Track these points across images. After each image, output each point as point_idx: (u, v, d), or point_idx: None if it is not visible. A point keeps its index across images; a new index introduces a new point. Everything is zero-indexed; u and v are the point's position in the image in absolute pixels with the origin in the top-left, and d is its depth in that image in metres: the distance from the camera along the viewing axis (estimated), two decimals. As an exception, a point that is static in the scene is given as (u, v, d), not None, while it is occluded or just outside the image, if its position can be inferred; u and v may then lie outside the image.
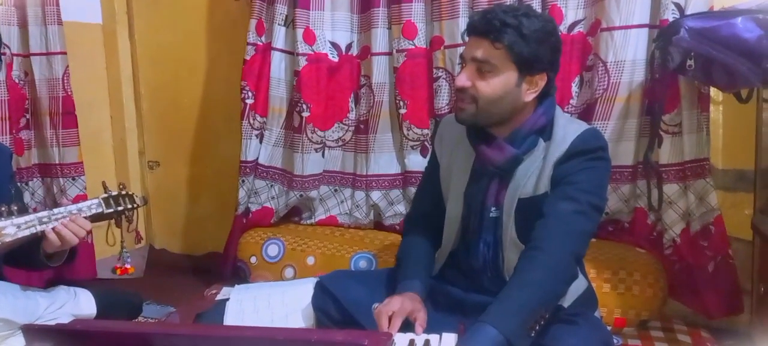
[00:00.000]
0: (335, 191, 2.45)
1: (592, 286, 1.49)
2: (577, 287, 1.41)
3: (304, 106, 2.31)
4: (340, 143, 2.40)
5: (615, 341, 1.65)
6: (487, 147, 1.39)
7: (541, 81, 1.35)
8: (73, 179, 2.51)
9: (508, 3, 1.38)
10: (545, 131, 1.38)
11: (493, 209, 1.42)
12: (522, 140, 1.37)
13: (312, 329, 1.34)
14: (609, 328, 1.64)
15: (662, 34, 1.81)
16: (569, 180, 1.31)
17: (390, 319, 1.29)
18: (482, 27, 1.31)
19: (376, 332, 1.14)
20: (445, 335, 1.25)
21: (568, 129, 1.36)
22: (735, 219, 1.97)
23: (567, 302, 1.37)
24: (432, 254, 1.54)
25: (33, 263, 1.54)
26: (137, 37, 2.90)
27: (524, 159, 1.38)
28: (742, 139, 1.98)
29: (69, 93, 2.48)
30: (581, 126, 1.38)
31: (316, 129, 2.34)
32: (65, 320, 1.46)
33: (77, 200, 2.48)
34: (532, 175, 1.37)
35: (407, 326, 1.33)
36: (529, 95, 1.36)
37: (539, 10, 2.00)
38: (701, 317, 1.96)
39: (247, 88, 2.40)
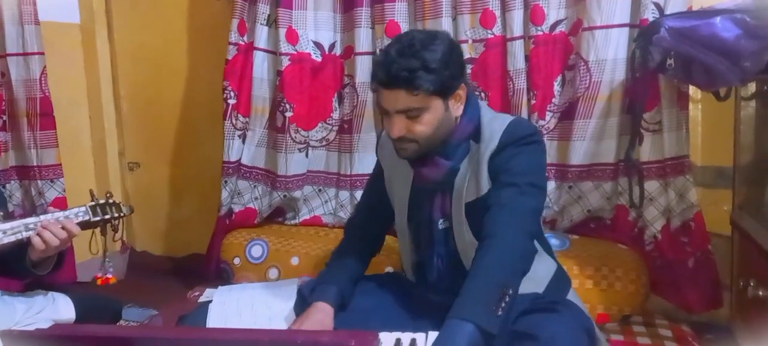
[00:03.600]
0: (319, 191, 2.44)
1: (562, 267, 1.51)
2: (548, 270, 1.44)
3: (288, 106, 2.30)
4: (324, 143, 2.39)
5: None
6: (422, 167, 1.41)
7: (462, 92, 1.37)
8: (52, 182, 2.47)
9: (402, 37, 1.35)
10: (472, 134, 1.40)
11: (440, 221, 1.45)
12: (454, 151, 1.40)
13: (297, 330, 1.33)
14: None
15: (643, 33, 1.83)
16: (505, 168, 1.34)
17: None
18: (391, 81, 1.30)
19: (362, 332, 1.14)
20: (430, 333, 1.24)
21: (494, 125, 1.38)
22: (714, 215, 2.01)
23: (541, 287, 1.39)
24: (363, 258, 1.59)
25: (19, 271, 1.51)
26: (117, 37, 2.86)
27: (460, 167, 1.40)
28: (721, 136, 2.01)
29: (47, 94, 2.43)
30: (506, 119, 1.41)
31: (299, 129, 2.33)
32: (44, 325, 1.43)
33: (57, 202, 2.44)
34: (470, 178, 1.39)
35: (394, 324, 1.33)
36: (458, 109, 1.38)
37: (498, 14, 2.03)
38: (682, 311, 1.99)
39: (230, 88, 2.38)
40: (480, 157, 1.37)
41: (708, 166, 2.12)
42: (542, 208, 1.45)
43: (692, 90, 1.99)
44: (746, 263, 1.84)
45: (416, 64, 1.28)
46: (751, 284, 1.71)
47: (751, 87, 1.84)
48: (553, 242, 1.96)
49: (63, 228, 1.43)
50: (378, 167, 1.61)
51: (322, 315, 1.40)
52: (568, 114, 2.05)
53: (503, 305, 1.18)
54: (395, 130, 1.34)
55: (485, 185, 1.36)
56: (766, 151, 1.79)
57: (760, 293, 1.64)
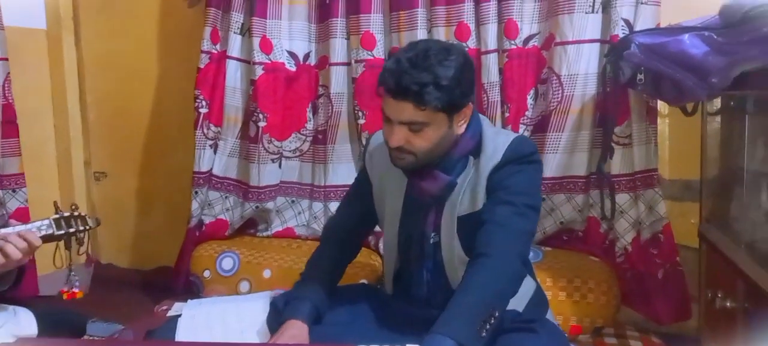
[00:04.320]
0: (292, 202, 2.41)
1: (541, 287, 1.52)
2: (528, 289, 1.43)
3: (261, 116, 2.27)
4: (298, 154, 2.37)
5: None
6: (420, 180, 1.38)
7: (468, 111, 1.35)
8: (14, 191, 2.38)
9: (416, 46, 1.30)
10: (475, 149, 1.39)
11: (433, 235, 1.43)
12: (454, 166, 1.38)
13: (270, 344, 1.30)
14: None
15: (614, 49, 1.87)
16: (503, 185, 1.33)
17: None
18: (400, 92, 1.26)
19: (339, 346, 1.12)
20: (408, 346, 1.23)
21: (497, 141, 1.37)
22: (682, 228, 2.05)
23: (520, 305, 1.38)
24: (339, 267, 1.56)
25: None
26: (84, 44, 2.79)
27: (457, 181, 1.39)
28: (688, 150, 2.06)
29: (10, 101, 2.35)
30: (509, 136, 1.40)
31: (272, 139, 2.30)
32: (5, 340, 1.37)
33: (18, 212, 2.35)
34: (466, 192, 1.38)
35: (370, 338, 1.31)
36: (462, 127, 1.36)
37: (473, 27, 2.04)
38: (652, 323, 2.02)
39: (201, 96, 2.35)
40: (480, 172, 1.36)
41: (675, 179, 2.17)
42: (535, 230, 1.44)
43: (660, 105, 2.03)
44: (714, 274, 1.87)
45: (428, 78, 1.23)
46: (719, 295, 1.74)
47: (717, 103, 1.89)
48: (527, 254, 1.97)
49: (24, 240, 1.37)
50: (363, 175, 1.57)
51: (296, 331, 1.37)
52: (541, 127, 2.07)
53: (488, 326, 1.18)
54: (394, 139, 1.31)
55: (481, 199, 1.35)
56: (731, 164, 1.83)
57: (728, 304, 1.67)
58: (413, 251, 1.46)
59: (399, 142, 1.31)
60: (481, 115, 1.44)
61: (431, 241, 1.43)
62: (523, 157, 1.35)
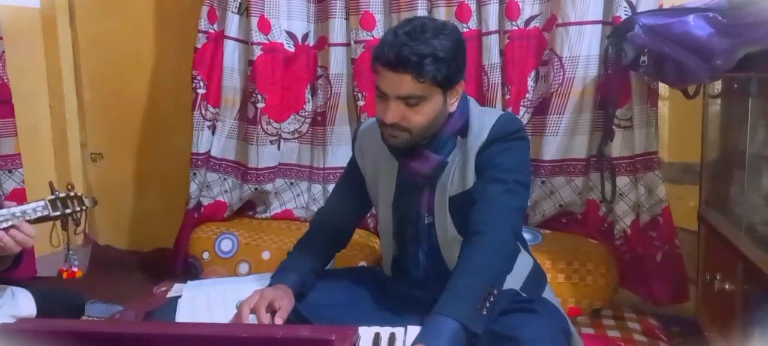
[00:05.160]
0: (291, 184, 2.40)
1: (538, 263, 1.52)
2: (525, 266, 1.44)
3: (259, 97, 2.25)
4: (297, 135, 2.35)
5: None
6: (412, 160, 1.38)
7: (460, 88, 1.36)
8: (10, 172, 2.37)
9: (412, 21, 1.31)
10: (462, 129, 1.39)
11: (426, 216, 1.43)
12: (444, 145, 1.38)
13: (276, 325, 1.30)
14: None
15: (617, 30, 1.85)
16: (493, 164, 1.33)
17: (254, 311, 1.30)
18: (400, 64, 1.25)
19: (342, 328, 1.11)
20: (410, 327, 1.23)
21: (483, 119, 1.37)
22: (681, 211, 2.05)
23: (518, 283, 1.38)
24: (327, 252, 1.55)
25: None
26: (79, 23, 2.76)
27: (448, 161, 1.39)
28: (688, 133, 2.06)
29: (5, 81, 2.33)
30: (495, 113, 1.40)
31: (271, 120, 2.28)
32: (3, 321, 1.37)
33: (15, 194, 2.34)
34: (456, 171, 1.38)
35: (370, 319, 1.31)
36: (454, 105, 1.36)
37: (474, 8, 2.04)
38: (649, 304, 2.03)
39: (199, 77, 2.32)
40: (467, 151, 1.36)
41: (675, 162, 2.17)
42: (526, 206, 1.45)
43: (661, 87, 2.03)
44: (712, 257, 1.89)
45: (427, 50, 1.24)
46: (717, 277, 1.75)
47: (718, 85, 1.89)
48: (526, 236, 1.96)
49: (19, 232, 1.36)
50: (354, 167, 1.56)
51: (281, 292, 1.36)
52: (541, 109, 2.06)
53: (488, 304, 1.18)
54: (390, 115, 1.29)
55: (471, 178, 1.35)
56: (732, 147, 1.83)
57: (726, 286, 1.68)
58: (408, 233, 1.46)
59: (395, 118, 1.29)
60: (466, 95, 1.44)
61: (426, 221, 1.43)
62: (509, 135, 1.35)
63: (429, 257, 1.45)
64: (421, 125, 1.31)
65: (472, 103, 1.42)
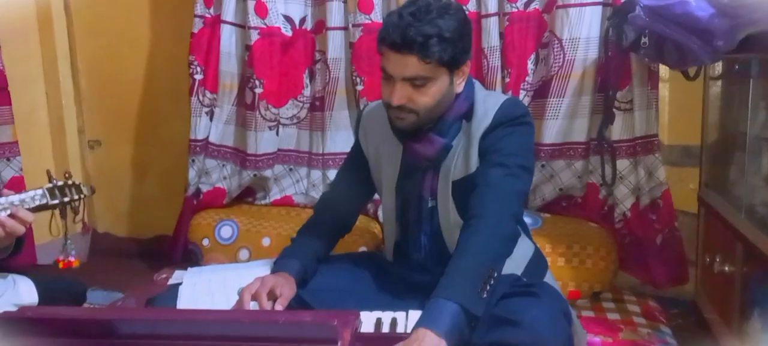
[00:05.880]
0: (290, 170, 2.40)
1: (539, 249, 1.52)
2: (526, 252, 1.44)
3: (257, 83, 2.24)
4: (295, 121, 2.34)
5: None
6: (416, 143, 1.38)
7: (466, 68, 1.36)
8: (8, 160, 2.36)
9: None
10: (467, 112, 1.39)
11: (430, 199, 1.43)
12: (448, 128, 1.38)
13: (278, 310, 1.30)
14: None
15: (617, 12, 1.84)
16: (495, 148, 1.32)
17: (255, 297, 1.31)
18: (405, 45, 1.25)
19: (343, 312, 1.12)
20: (411, 312, 1.24)
21: (488, 103, 1.37)
22: (681, 193, 2.06)
23: (519, 268, 1.39)
24: (331, 238, 1.55)
25: None
26: (74, 9, 2.73)
27: (452, 145, 1.39)
28: (688, 116, 2.05)
29: (1, 68, 2.31)
30: (500, 98, 1.40)
31: (269, 106, 2.27)
32: (5, 309, 1.36)
33: (13, 182, 2.33)
34: (459, 155, 1.37)
35: (372, 304, 1.31)
36: (460, 86, 1.36)
37: None
38: (649, 287, 2.04)
39: (196, 63, 2.31)
40: (471, 135, 1.35)
41: (675, 144, 2.17)
42: (528, 190, 1.45)
43: (661, 70, 2.01)
44: (712, 239, 1.89)
45: (432, 30, 1.24)
46: (717, 259, 1.76)
47: (719, 67, 1.88)
48: (526, 220, 1.97)
49: (15, 217, 1.36)
50: (358, 151, 1.56)
51: (282, 279, 1.36)
52: (541, 92, 2.05)
53: (488, 287, 1.18)
54: (396, 97, 1.29)
55: (474, 162, 1.35)
56: (732, 129, 1.83)
57: (726, 268, 1.69)
58: (411, 216, 1.46)
59: (401, 100, 1.29)
60: (472, 78, 1.44)
61: (429, 205, 1.43)
62: (514, 119, 1.34)
63: (431, 240, 1.45)
64: (428, 106, 1.31)
65: (478, 87, 1.42)
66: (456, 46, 1.27)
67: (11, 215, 1.35)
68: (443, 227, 1.42)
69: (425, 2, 1.28)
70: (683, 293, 2.04)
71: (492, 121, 1.34)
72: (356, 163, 1.57)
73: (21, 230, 1.36)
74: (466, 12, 1.37)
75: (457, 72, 1.33)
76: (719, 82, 1.92)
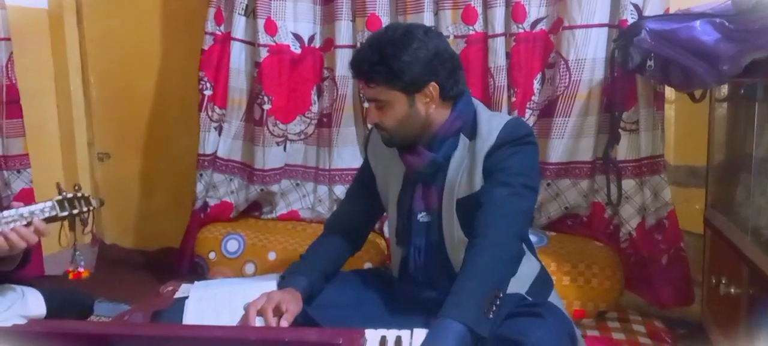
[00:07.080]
0: (297, 185, 2.41)
1: (545, 268, 1.53)
2: (531, 271, 1.44)
3: (266, 99, 2.26)
4: (303, 137, 2.36)
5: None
6: (408, 155, 1.44)
7: (433, 91, 1.36)
8: (19, 172, 2.38)
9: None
10: (466, 131, 1.41)
11: (422, 213, 1.44)
12: (440, 144, 1.40)
13: (284, 328, 1.31)
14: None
15: (623, 34, 1.86)
16: (500, 167, 1.34)
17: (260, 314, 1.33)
18: (356, 73, 1.39)
19: (349, 330, 1.12)
20: (416, 330, 1.24)
21: (492, 123, 1.38)
22: (686, 213, 2.05)
23: (524, 287, 1.39)
24: (340, 255, 1.56)
25: None
26: (86, 23, 2.78)
27: (450, 162, 1.40)
28: (694, 136, 2.06)
29: (13, 81, 2.35)
30: (504, 118, 1.42)
31: (277, 122, 2.29)
32: (14, 321, 1.38)
33: (23, 194, 2.35)
34: (463, 174, 1.39)
35: (377, 321, 1.32)
36: (430, 107, 1.38)
37: (480, 10, 2.05)
38: (654, 307, 2.03)
39: (206, 78, 2.33)
40: (476, 154, 1.37)
41: (680, 165, 2.17)
42: (533, 209, 1.47)
43: (667, 90, 2.02)
44: (718, 260, 1.89)
45: (375, 57, 1.32)
46: (723, 281, 1.75)
47: (725, 89, 1.88)
48: (532, 238, 1.97)
49: (34, 231, 1.38)
50: (367, 168, 1.59)
51: (288, 295, 1.37)
52: (547, 112, 2.07)
53: (494, 307, 1.19)
54: (369, 117, 1.43)
55: (479, 181, 1.36)
56: (738, 151, 1.83)
57: (732, 290, 1.68)
58: (401, 230, 1.49)
59: (372, 119, 1.40)
60: (475, 100, 1.46)
61: (420, 219, 1.44)
62: (518, 139, 1.36)
63: (426, 255, 1.45)
64: (392, 127, 1.39)
65: (481, 107, 1.44)
66: (402, 72, 1.32)
67: (29, 224, 1.37)
68: (448, 245, 1.43)
69: (386, 31, 1.37)
70: (689, 313, 2.03)
71: (496, 141, 1.35)
72: (364, 180, 1.59)
73: (34, 239, 1.38)
74: (440, 37, 1.39)
75: (418, 95, 1.36)
76: (725, 104, 1.92)
